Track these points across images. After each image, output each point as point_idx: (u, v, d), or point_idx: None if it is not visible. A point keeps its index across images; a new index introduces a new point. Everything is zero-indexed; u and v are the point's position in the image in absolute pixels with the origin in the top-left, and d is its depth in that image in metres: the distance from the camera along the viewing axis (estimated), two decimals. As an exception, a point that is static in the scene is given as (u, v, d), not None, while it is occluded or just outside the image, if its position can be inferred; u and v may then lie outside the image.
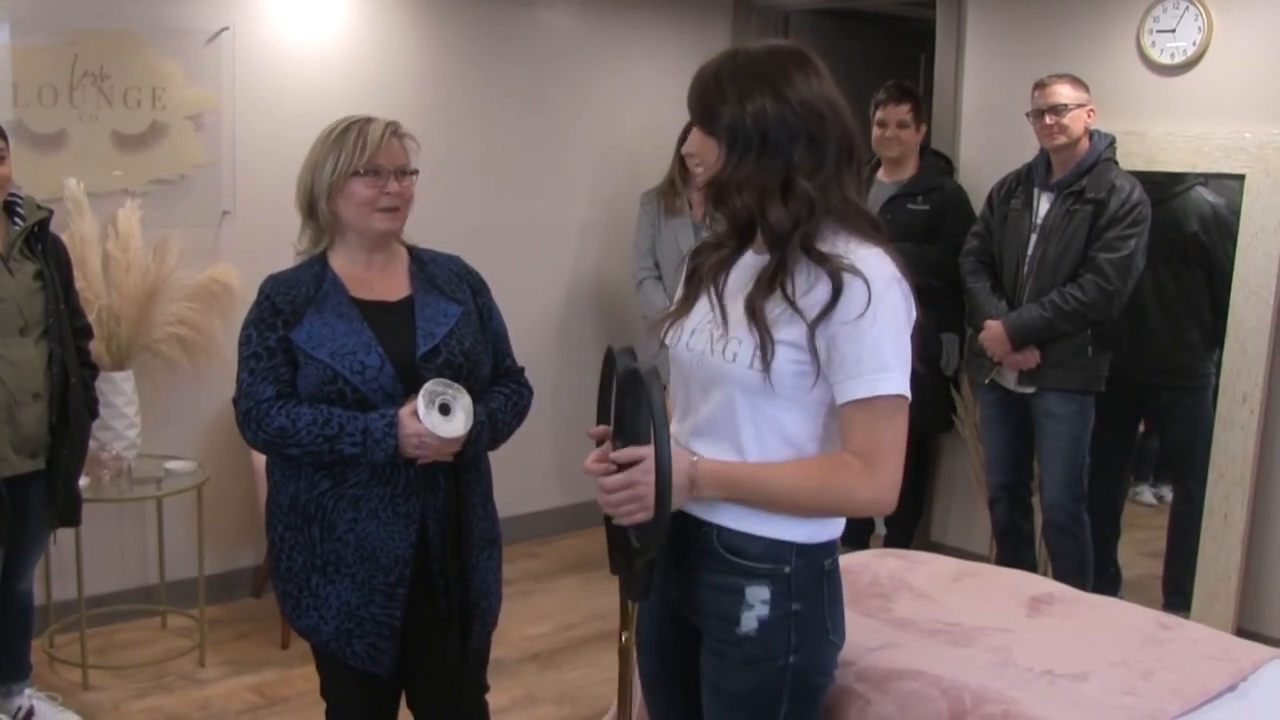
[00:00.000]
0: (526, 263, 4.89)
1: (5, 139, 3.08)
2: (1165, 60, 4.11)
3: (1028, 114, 3.95)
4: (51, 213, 3.21)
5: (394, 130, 2.43)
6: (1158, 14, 4.11)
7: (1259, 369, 3.88)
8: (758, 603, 1.88)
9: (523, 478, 4.74)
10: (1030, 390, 3.98)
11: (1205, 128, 3.99)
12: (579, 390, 4.97)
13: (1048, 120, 3.85)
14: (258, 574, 4.37)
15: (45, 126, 3.84)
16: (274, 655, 3.94)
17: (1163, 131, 4.08)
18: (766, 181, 1.83)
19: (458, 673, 2.54)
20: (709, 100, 1.86)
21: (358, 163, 2.37)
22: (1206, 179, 4.06)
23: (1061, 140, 3.84)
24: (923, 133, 4.49)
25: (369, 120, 2.43)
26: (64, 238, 3.35)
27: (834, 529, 1.94)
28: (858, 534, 4.44)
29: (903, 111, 4.39)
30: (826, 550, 1.93)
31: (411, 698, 2.59)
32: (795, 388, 1.84)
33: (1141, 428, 4.48)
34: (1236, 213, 3.94)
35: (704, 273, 1.96)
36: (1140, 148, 4.08)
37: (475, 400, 2.40)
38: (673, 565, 1.96)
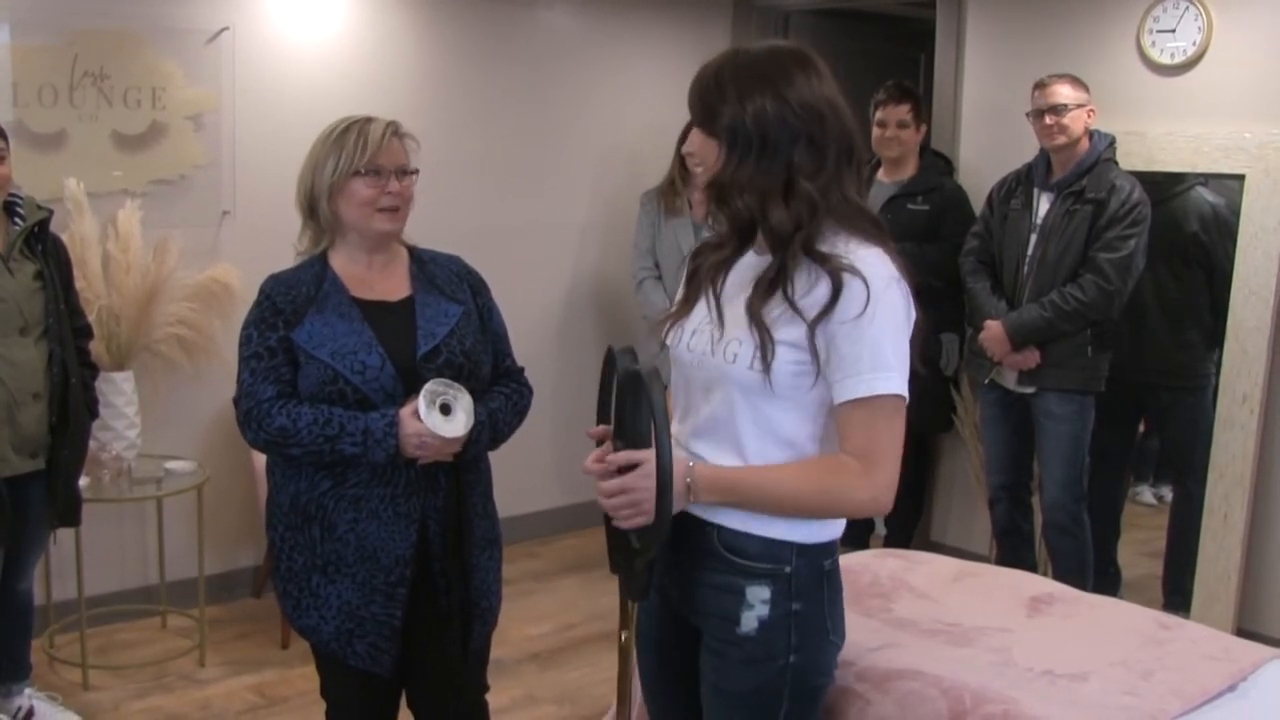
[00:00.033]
0: (526, 263, 4.90)
1: (5, 139, 3.08)
2: (1165, 60, 4.11)
3: (1028, 114, 3.95)
4: (51, 213, 3.21)
5: (394, 130, 2.43)
6: (1158, 14, 4.11)
7: (1259, 369, 3.88)
8: (758, 602, 1.88)
9: (523, 478, 4.74)
10: (1030, 390, 3.98)
11: (1205, 128, 3.99)
12: (579, 390, 4.97)
13: (1048, 120, 3.85)
14: (258, 574, 4.37)
15: (45, 126, 3.84)
16: (274, 655, 3.94)
17: (1163, 131, 4.08)
18: (768, 183, 1.83)
19: (458, 672, 2.54)
20: (710, 100, 1.86)
21: (359, 163, 2.37)
22: (1206, 179, 4.06)
23: (1061, 140, 3.84)
24: (923, 133, 4.49)
25: (369, 120, 2.43)
26: (64, 238, 3.35)
27: (834, 529, 1.94)
28: (858, 534, 4.44)
29: (903, 111, 4.39)
30: (827, 550, 1.93)
31: (412, 698, 2.59)
32: (795, 388, 1.84)
33: (1141, 428, 4.48)
34: (1236, 213, 3.95)
35: (703, 273, 1.96)
36: (1140, 148, 4.08)
37: (476, 400, 2.41)
38: (673, 565, 1.96)
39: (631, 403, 1.86)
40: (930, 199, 4.39)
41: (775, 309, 1.83)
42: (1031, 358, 3.91)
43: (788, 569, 1.88)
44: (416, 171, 2.47)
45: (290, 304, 2.40)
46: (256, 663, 3.89)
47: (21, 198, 3.14)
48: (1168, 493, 4.65)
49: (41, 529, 3.28)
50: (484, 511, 2.54)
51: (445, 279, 2.53)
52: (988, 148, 4.57)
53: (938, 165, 4.52)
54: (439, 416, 2.33)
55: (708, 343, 1.90)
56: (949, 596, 2.70)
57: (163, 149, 4.06)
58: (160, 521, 4.07)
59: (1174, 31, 4.07)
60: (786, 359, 1.82)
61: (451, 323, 2.46)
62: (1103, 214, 3.78)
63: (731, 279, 1.92)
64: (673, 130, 4.59)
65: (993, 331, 3.94)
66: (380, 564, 2.39)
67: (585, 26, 5.03)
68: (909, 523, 4.74)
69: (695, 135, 1.92)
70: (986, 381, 4.11)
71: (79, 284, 3.43)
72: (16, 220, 3.11)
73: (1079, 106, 3.84)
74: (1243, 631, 3.76)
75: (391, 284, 2.49)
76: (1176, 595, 4.15)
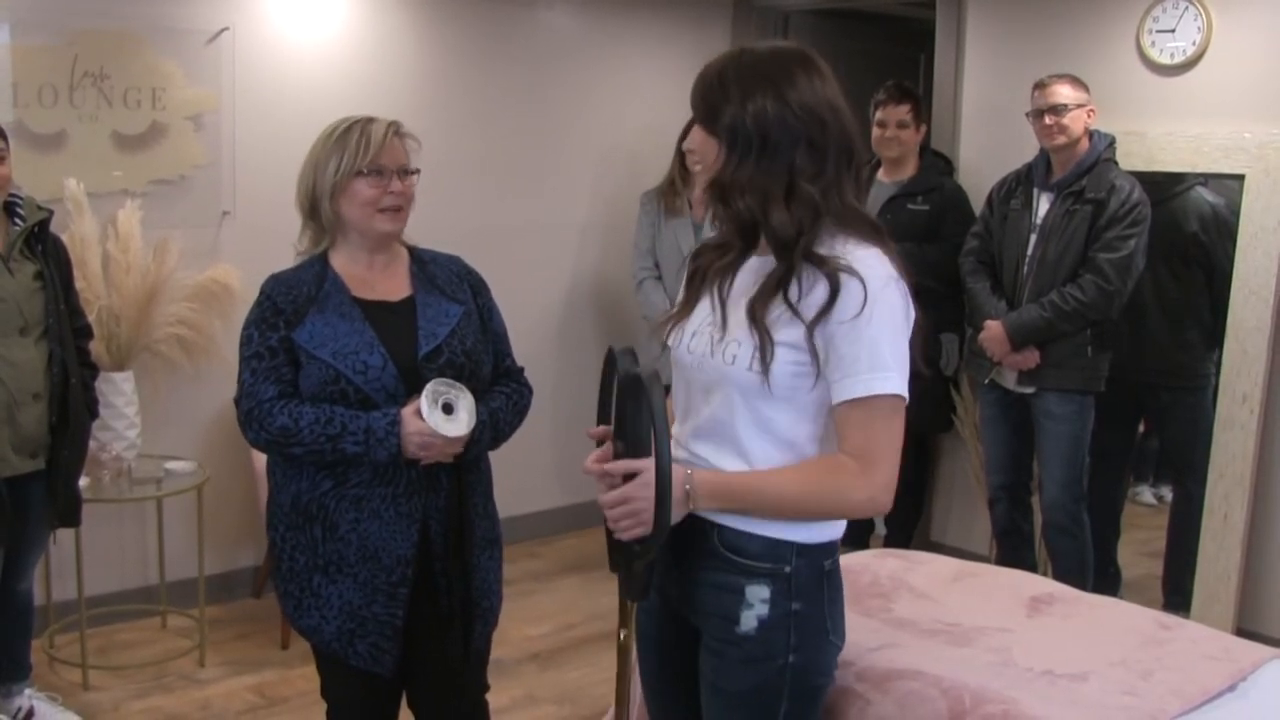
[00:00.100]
0: (526, 263, 4.90)
1: (5, 139, 3.08)
2: (1165, 60, 4.11)
3: (1027, 114, 3.95)
4: (51, 213, 3.21)
5: (396, 130, 2.44)
6: (1157, 14, 4.11)
7: (1259, 369, 3.88)
8: (757, 602, 1.88)
9: (523, 478, 4.74)
10: (1030, 390, 3.98)
11: (1205, 128, 3.99)
12: (579, 390, 4.97)
13: (1047, 120, 3.85)
14: (258, 574, 4.37)
15: (45, 127, 3.84)
16: (274, 655, 3.94)
17: (1162, 131, 4.08)
18: (768, 184, 1.83)
19: (459, 672, 2.55)
20: (712, 99, 1.87)
21: (361, 162, 2.37)
22: (1206, 179, 4.06)
23: (1061, 140, 3.84)
24: (922, 133, 4.49)
25: (371, 120, 2.43)
26: (64, 238, 3.35)
27: (835, 529, 1.94)
28: (858, 534, 4.44)
29: (902, 112, 4.39)
30: (827, 550, 1.93)
31: (412, 698, 2.59)
32: (794, 389, 1.84)
33: (1141, 428, 4.48)
34: (1236, 213, 3.95)
35: (709, 276, 1.95)
36: (1140, 148, 4.08)
37: (477, 400, 2.41)
38: (673, 564, 1.96)
39: (632, 405, 1.86)
40: (930, 199, 4.39)
41: (775, 310, 1.83)
42: (1031, 358, 3.91)
43: (787, 569, 1.88)
44: (418, 171, 2.48)
45: (291, 304, 2.40)
46: (256, 663, 3.89)
47: (21, 198, 3.14)
48: (1168, 493, 4.65)
49: (41, 529, 3.29)
50: (485, 511, 2.54)
51: (446, 279, 2.54)
52: (988, 148, 4.57)
53: (938, 165, 4.52)
54: (441, 416, 2.33)
55: (708, 344, 1.91)
56: (949, 596, 2.70)
57: (163, 149, 4.06)
58: (160, 521, 4.07)
59: (1174, 31, 4.07)
60: (785, 360, 1.82)
61: (452, 323, 2.46)
62: (1102, 214, 3.78)
63: (738, 282, 1.91)
64: (673, 130, 4.59)
65: (992, 331, 3.94)
66: (382, 564, 2.39)
67: (585, 26, 5.03)
68: (909, 523, 4.74)
69: (696, 133, 1.92)
70: (986, 381, 4.11)
71: (79, 284, 3.44)
72: (17, 220, 3.11)
73: (1079, 106, 3.84)
74: (1243, 631, 3.76)
75: (392, 284, 2.49)
76: (1176, 595, 4.15)
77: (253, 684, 3.75)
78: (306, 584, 2.43)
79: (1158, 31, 4.12)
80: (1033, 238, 3.93)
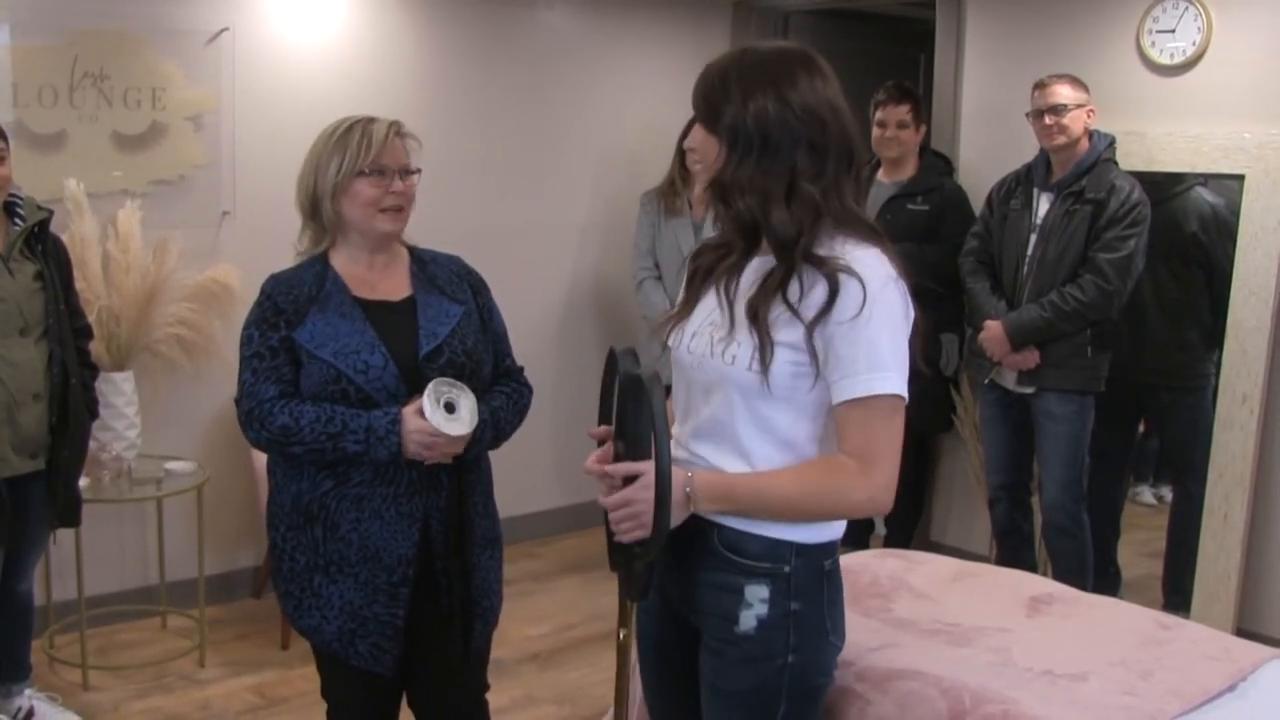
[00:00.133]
0: (526, 263, 4.90)
1: (5, 139, 3.08)
2: (1165, 60, 4.11)
3: (1027, 114, 3.95)
4: (51, 213, 3.21)
5: (398, 130, 2.44)
6: (1157, 14, 4.11)
7: (1259, 369, 3.88)
8: (756, 601, 1.88)
9: (523, 478, 4.74)
10: (1030, 390, 3.98)
11: (1205, 128, 3.99)
12: (579, 390, 4.97)
13: (1047, 120, 3.85)
14: (258, 574, 4.38)
15: (45, 127, 3.84)
16: (274, 656, 3.94)
17: (1162, 132, 4.08)
18: (769, 184, 1.83)
19: (459, 672, 2.55)
20: (713, 98, 1.87)
21: (363, 162, 2.38)
22: (1206, 179, 4.06)
23: (1061, 140, 3.84)
24: (922, 133, 4.49)
25: (372, 120, 2.43)
26: (64, 238, 3.35)
27: (835, 529, 1.94)
28: (858, 534, 4.44)
29: (902, 112, 4.39)
30: (827, 550, 1.93)
31: (413, 697, 2.59)
32: (793, 389, 1.84)
33: (1141, 428, 4.48)
34: (1236, 213, 3.95)
35: (715, 277, 1.95)
36: (1140, 148, 4.08)
37: (478, 399, 2.41)
38: (673, 564, 1.96)
39: (633, 407, 1.87)
40: (930, 199, 4.39)
41: (774, 310, 1.83)
42: (1031, 358, 3.91)
43: (787, 568, 1.88)
44: (419, 171, 2.48)
45: (292, 304, 2.40)
46: (256, 663, 3.89)
47: (21, 198, 3.14)
48: (1168, 493, 4.65)
49: (41, 529, 3.29)
50: (485, 511, 2.55)
51: (446, 279, 2.54)
52: (987, 148, 4.57)
53: (937, 165, 4.52)
54: (444, 415, 2.33)
55: (707, 344, 1.91)
56: (949, 596, 2.70)
57: (163, 149, 4.06)
58: (160, 522, 4.07)
59: (1173, 32, 4.07)
60: (785, 360, 1.82)
61: (453, 322, 2.47)
62: (1102, 214, 3.79)
63: (743, 282, 1.91)
64: (673, 130, 4.59)
65: (992, 331, 3.94)
66: (383, 563, 2.39)
67: (585, 27, 5.03)
68: (909, 523, 4.74)
69: (697, 132, 1.93)
70: (986, 381, 4.11)
71: (79, 284, 3.43)
72: (17, 221, 3.11)
73: (1079, 107, 3.84)
74: (1243, 631, 3.76)
75: (393, 284, 2.49)
76: (1176, 595, 4.15)
77: (253, 684, 3.75)
78: (307, 584, 2.43)
79: (1158, 32, 4.12)
80: (1032, 238, 3.93)
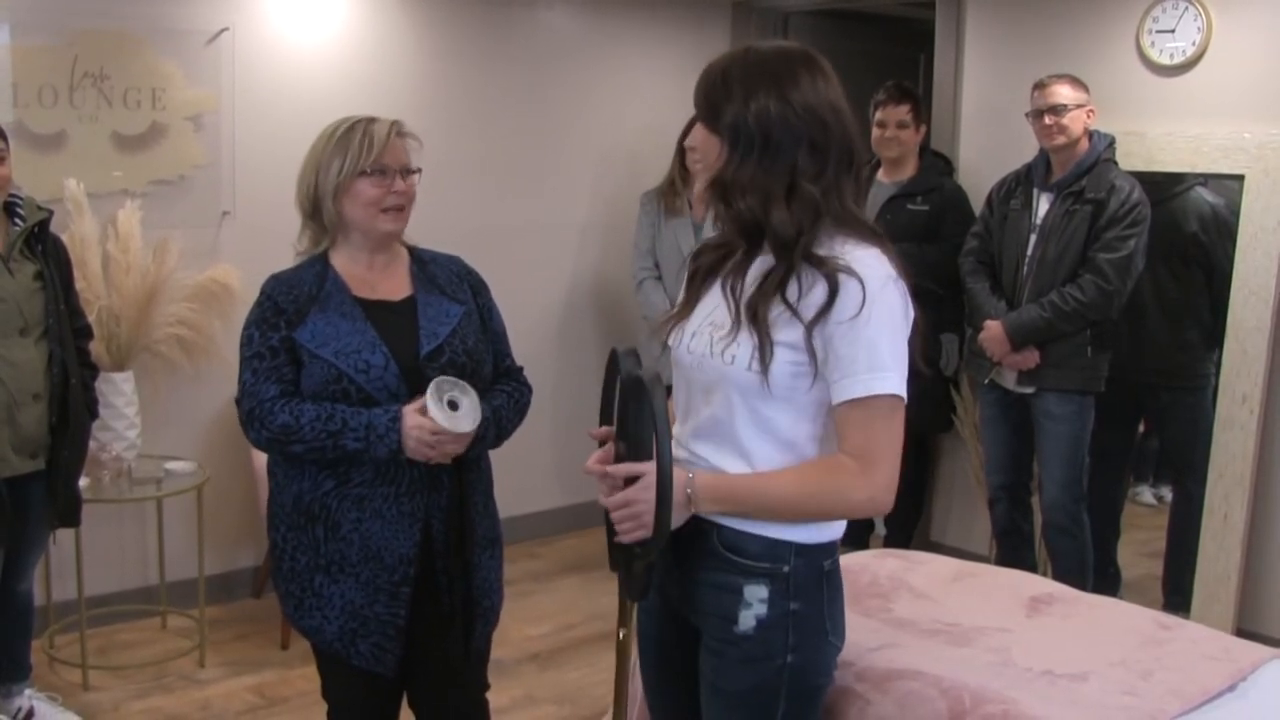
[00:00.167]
0: (526, 263, 4.90)
1: (5, 140, 3.08)
2: (1165, 60, 4.11)
3: (1027, 114, 3.95)
4: (51, 213, 3.21)
5: (398, 130, 2.44)
6: (1157, 14, 4.11)
7: (1259, 369, 3.88)
8: (756, 601, 1.88)
9: (523, 478, 4.74)
10: (1030, 390, 3.98)
11: (1204, 128, 3.99)
12: (579, 390, 4.98)
13: (1047, 120, 3.85)
14: (258, 574, 4.38)
15: (45, 127, 3.84)
16: (274, 656, 3.94)
17: (1162, 132, 4.08)
18: (770, 184, 1.83)
19: (460, 671, 2.55)
20: (715, 97, 1.87)
21: (364, 162, 2.38)
22: (1206, 179, 4.06)
23: (1061, 140, 3.84)
24: (922, 133, 4.49)
25: (372, 120, 2.43)
26: (64, 238, 3.35)
27: (834, 529, 1.94)
28: (858, 534, 4.44)
29: (902, 112, 4.39)
30: (826, 550, 1.93)
31: (413, 697, 2.59)
32: (792, 389, 1.84)
33: (1141, 428, 4.48)
34: (1236, 213, 3.95)
35: (721, 276, 1.94)
36: (1140, 148, 4.08)
37: (479, 398, 2.41)
38: (672, 564, 1.96)
39: (634, 409, 1.87)
40: (930, 199, 4.39)
41: (774, 310, 1.83)
42: (1031, 358, 3.91)
43: (786, 568, 1.88)
44: (420, 171, 2.48)
45: (292, 303, 2.40)
46: (256, 663, 3.89)
47: (21, 198, 3.14)
48: (1168, 493, 4.65)
49: (41, 529, 3.29)
50: (485, 510, 2.55)
51: (446, 279, 2.54)
52: (987, 148, 4.57)
53: (937, 165, 4.52)
54: (448, 412, 2.33)
55: (707, 344, 1.91)
56: (948, 597, 2.70)
57: (162, 149, 4.06)
58: (160, 522, 4.07)
59: (1173, 32, 4.07)
60: (784, 360, 1.82)
61: (453, 322, 2.47)
62: (1102, 214, 3.79)
63: (747, 282, 1.91)
64: (672, 130, 4.59)
65: (992, 332, 3.95)
66: (384, 563, 2.40)
67: (585, 27, 5.03)
68: (909, 523, 4.74)
69: (698, 130, 1.93)
70: (986, 381, 4.11)
71: (79, 284, 3.44)
72: (17, 221, 3.11)
73: (1078, 107, 3.84)
74: (1243, 631, 3.76)
75: (393, 284, 2.49)
76: (1176, 595, 4.15)
77: (253, 684, 3.76)
78: (308, 584, 2.43)
79: (1157, 32, 4.12)
80: (1032, 238, 3.93)
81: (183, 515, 4.07)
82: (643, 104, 5.15)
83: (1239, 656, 2.45)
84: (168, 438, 4.10)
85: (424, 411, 2.31)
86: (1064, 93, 3.84)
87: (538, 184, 4.97)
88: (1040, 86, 3.90)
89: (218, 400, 4.16)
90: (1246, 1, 3.94)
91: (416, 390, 2.35)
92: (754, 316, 1.83)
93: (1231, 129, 3.93)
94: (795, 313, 1.81)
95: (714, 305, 1.93)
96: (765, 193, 1.83)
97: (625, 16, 5.11)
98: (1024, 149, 4.11)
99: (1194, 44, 4.02)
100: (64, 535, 3.51)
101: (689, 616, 1.99)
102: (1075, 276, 3.82)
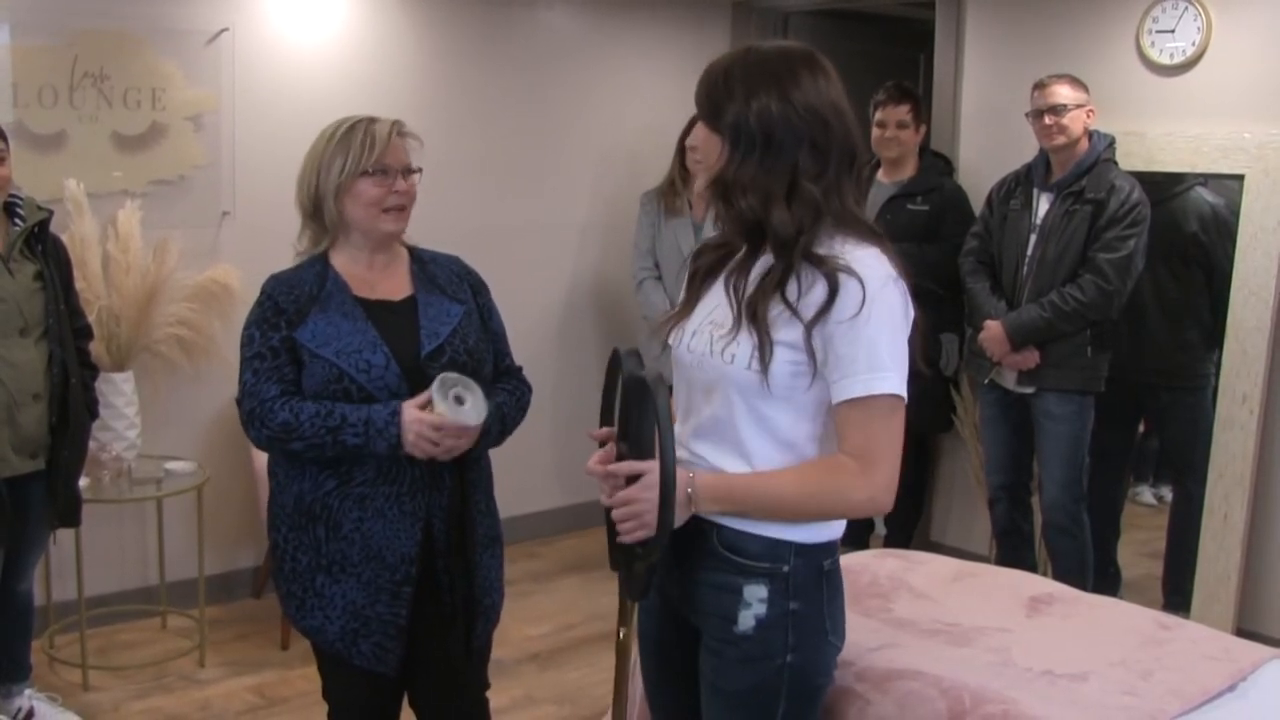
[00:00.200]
0: (526, 263, 4.90)
1: (5, 140, 3.08)
2: (1164, 60, 4.11)
3: (1027, 114, 3.95)
4: (51, 213, 3.21)
5: (399, 129, 2.44)
6: (1157, 14, 4.11)
7: (1259, 369, 3.88)
8: (755, 601, 1.88)
9: (523, 478, 4.74)
10: (1030, 390, 3.98)
11: (1204, 128, 3.99)
12: (579, 390, 4.98)
13: (1047, 120, 3.85)
14: (258, 574, 4.38)
15: (45, 127, 3.84)
16: (274, 656, 3.94)
17: (1162, 132, 4.08)
18: (771, 183, 1.83)
19: (461, 670, 2.55)
20: (716, 96, 1.87)
21: (366, 162, 2.38)
22: (1206, 179, 4.06)
23: (1061, 140, 3.84)
24: (922, 133, 4.49)
25: (373, 120, 2.44)
26: (64, 238, 3.35)
27: (834, 529, 1.94)
28: (858, 534, 4.44)
29: (902, 112, 4.39)
30: (826, 550, 1.93)
31: (414, 696, 2.59)
32: (791, 388, 1.84)
33: (1141, 428, 4.48)
34: (1236, 213, 3.95)
35: (725, 275, 1.95)
36: (1139, 148, 4.08)
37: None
38: (672, 564, 1.96)
39: (636, 410, 1.87)
40: (930, 199, 4.39)
41: (773, 309, 1.83)
42: (1031, 358, 3.91)
43: (785, 568, 1.88)
44: (420, 170, 2.48)
45: (293, 303, 2.40)
46: (256, 663, 3.89)
47: (21, 198, 3.14)
48: (1168, 493, 4.65)
49: (41, 529, 3.29)
50: (486, 509, 2.55)
51: (446, 279, 2.54)
52: (987, 148, 4.57)
53: (937, 166, 4.52)
54: (455, 406, 2.33)
55: (707, 343, 1.91)
56: (948, 596, 2.70)
57: (162, 150, 4.06)
58: (160, 522, 4.07)
59: (1173, 32, 4.08)
60: (784, 359, 1.82)
61: (454, 322, 2.47)
62: (1102, 214, 3.79)
63: (749, 281, 1.91)
64: (672, 130, 4.60)
65: (992, 332, 3.95)
66: (386, 563, 2.40)
67: (585, 27, 5.03)
68: (909, 523, 4.74)
69: (700, 129, 1.94)
70: (986, 381, 4.11)
71: (79, 284, 3.44)
72: (17, 221, 3.11)
73: (1078, 107, 3.84)
74: (1243, 631, 3.76)
75: (393, 284, 2.50)
76: (1176, 595, 4.15)
77: (253, 684, 3.76)
78: (309, 584, 2.43)
79: (1157, 32, 4.12)
80: (1032, 238, 3.93)
81: (183, 515, 4.07)
82: (643, 104, 5.15)
83: (1239, 656, 2.45)
84: (168, 438, 4.10)
85: (426, 407, 2.31)
86: (1064, 93, 3.84)
87: (538, 184, 4.97)
88: (1040, 86, 3.90)
89: (218, 400, 4.16)
90: (1246, 1, 3.94)
91: (417, 390, 2.35)
92: (753, 315, 1.83)
93: (1231, 129, 3.93)
94: (795, 312, 1.81)
95: (714, 304, 1.93)
96: (766, 192, 1.83)
97: (625, 16, 5.11)
98: (1024, 149, 4.11)
99: (1194, 44, 4.02)
100: (64, 535, 3.51)
101: (689, 616, 1.99)
102: (1075, 276, 3.82)
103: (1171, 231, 4.04)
